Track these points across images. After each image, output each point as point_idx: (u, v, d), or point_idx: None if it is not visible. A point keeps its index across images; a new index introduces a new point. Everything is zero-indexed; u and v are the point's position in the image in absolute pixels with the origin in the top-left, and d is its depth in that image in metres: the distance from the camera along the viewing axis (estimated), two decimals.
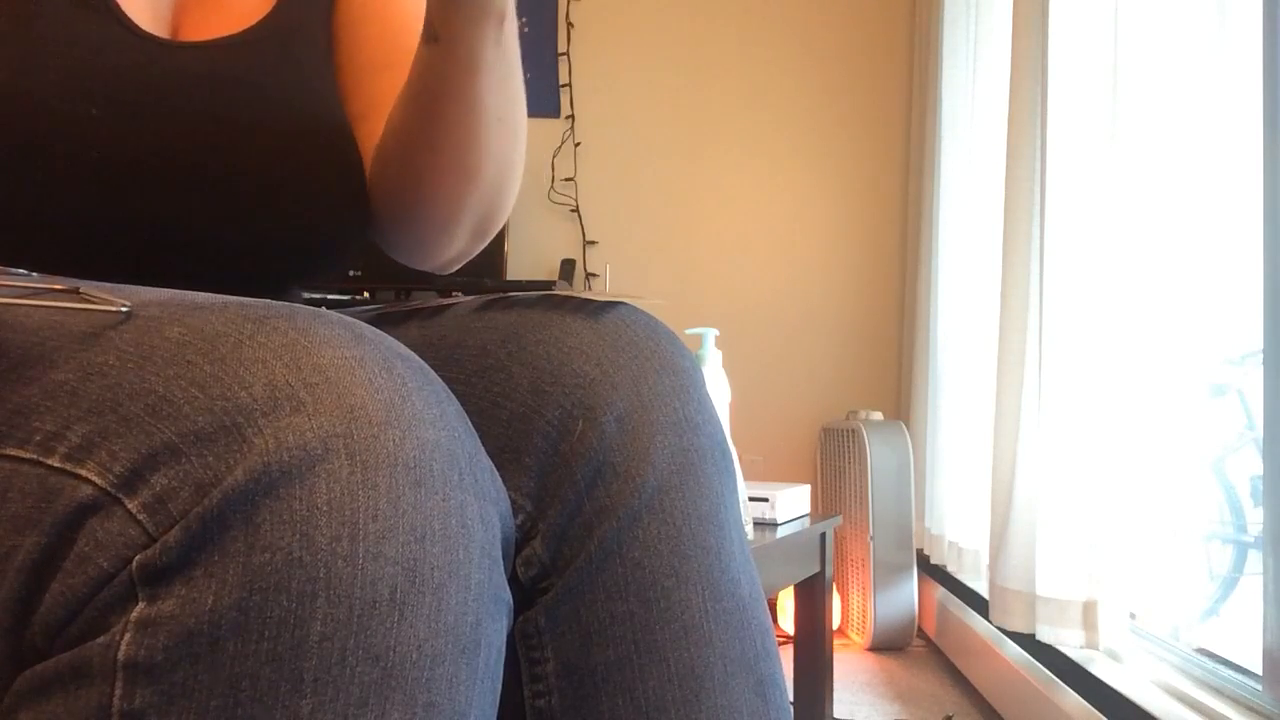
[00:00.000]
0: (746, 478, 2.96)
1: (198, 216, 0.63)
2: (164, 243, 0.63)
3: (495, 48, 0.63)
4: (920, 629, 2.55)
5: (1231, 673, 1.26)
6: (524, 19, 3.13)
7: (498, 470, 0.48)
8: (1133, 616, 1.46)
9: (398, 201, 0.72)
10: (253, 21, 0.68)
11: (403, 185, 0.71)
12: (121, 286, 0.51)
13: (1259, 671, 1.11)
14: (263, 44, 0.68)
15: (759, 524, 1.47)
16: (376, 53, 0.76)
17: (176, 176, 0.62)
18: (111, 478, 0.38)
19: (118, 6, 0.63)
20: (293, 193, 0.67)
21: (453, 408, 0.44)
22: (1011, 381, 1.56)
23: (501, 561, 0.44)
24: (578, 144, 3.10)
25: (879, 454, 2.45)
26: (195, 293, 0.48)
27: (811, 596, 1.63)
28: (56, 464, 0.39)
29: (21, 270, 0.53)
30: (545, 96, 3.10)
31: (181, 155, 0.62)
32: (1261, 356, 1.09)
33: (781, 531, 1.42)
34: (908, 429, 2.52)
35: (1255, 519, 2.52)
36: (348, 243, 0.72)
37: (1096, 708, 1.36)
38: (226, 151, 0.64)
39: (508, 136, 0.69)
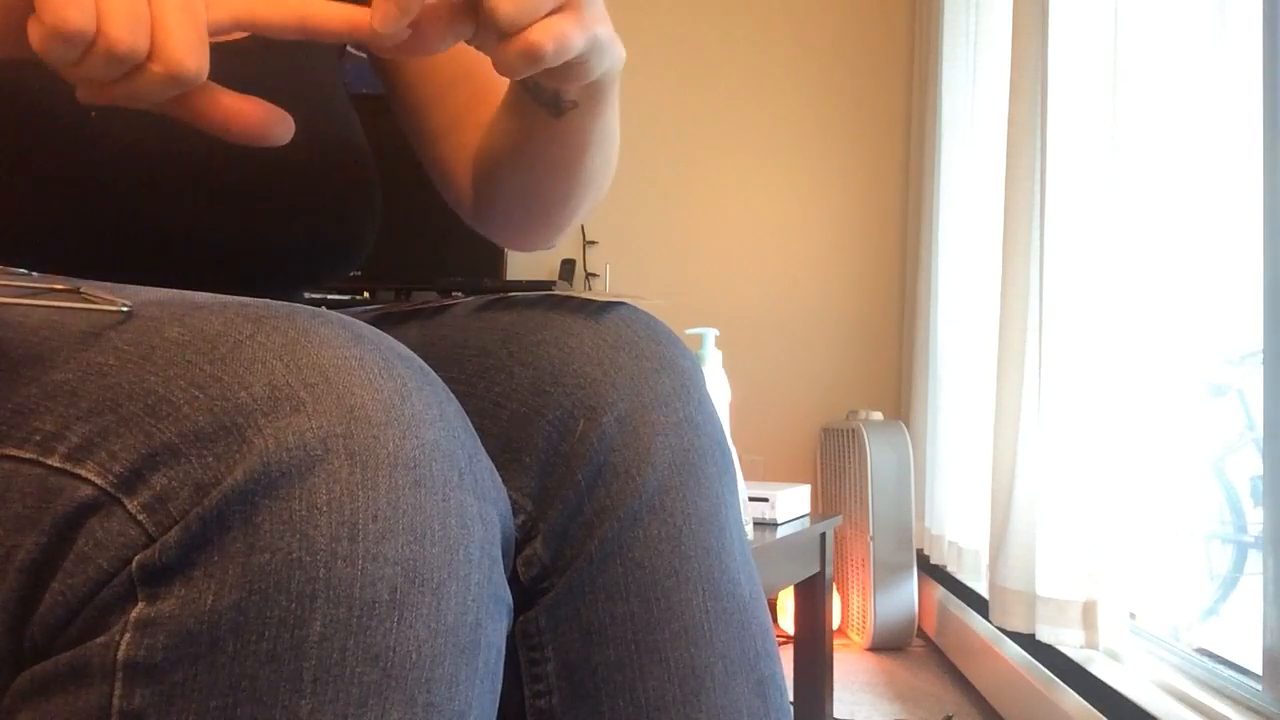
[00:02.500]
0: (746, 478, 2.96)
1: (204, 222, 0.63)
2: (169, 247, 0.63)
3: (615, 107, 0.64)
4: (920, 629, 2.55)
5: (1231, 673, 1.26)
6: None
7: (498, 470, 0.48)
8: (1133, 616, 1.46)
9: (501, 222, 0.75)
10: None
11: (507, 213, 0.73)
12: (122, 286, 0.51)
13: (1259, 671, 1.11)
14: (271, 50, 0.68)
15: (759, 524, 1.47)
16: (448, 69, 0.76)
17: (183, 182, 0.62)
18: (111, 478, 0.38)
19: None
20: (302, 199, 0.67)
21: (452, 408, 0.44)
22: (1011, 381, 1.56)
23: (501, 561, 0.44)
24: None
25: (879, 454, 2.45)
26: (195, 293, 0.48)
27: (811, 596, 1.63)
28: (56, 464, 0.39)
29: (22, 270, 0.53)
30: None
31: (187, 160, 0.62)
32: (1261, 356, 1.09)
33: (781, 531, 1.42)
34: (908, 429, 2.52)
35: (1255, 519, 2.52)
36: (357, 250, 0.72)
37: (1096, 708, 1.36)
38: (233, 157, 0.63)
39: (610, 165, 0.71)
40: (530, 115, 0.63)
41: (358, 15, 0.46)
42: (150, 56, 0.41)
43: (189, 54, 0.41)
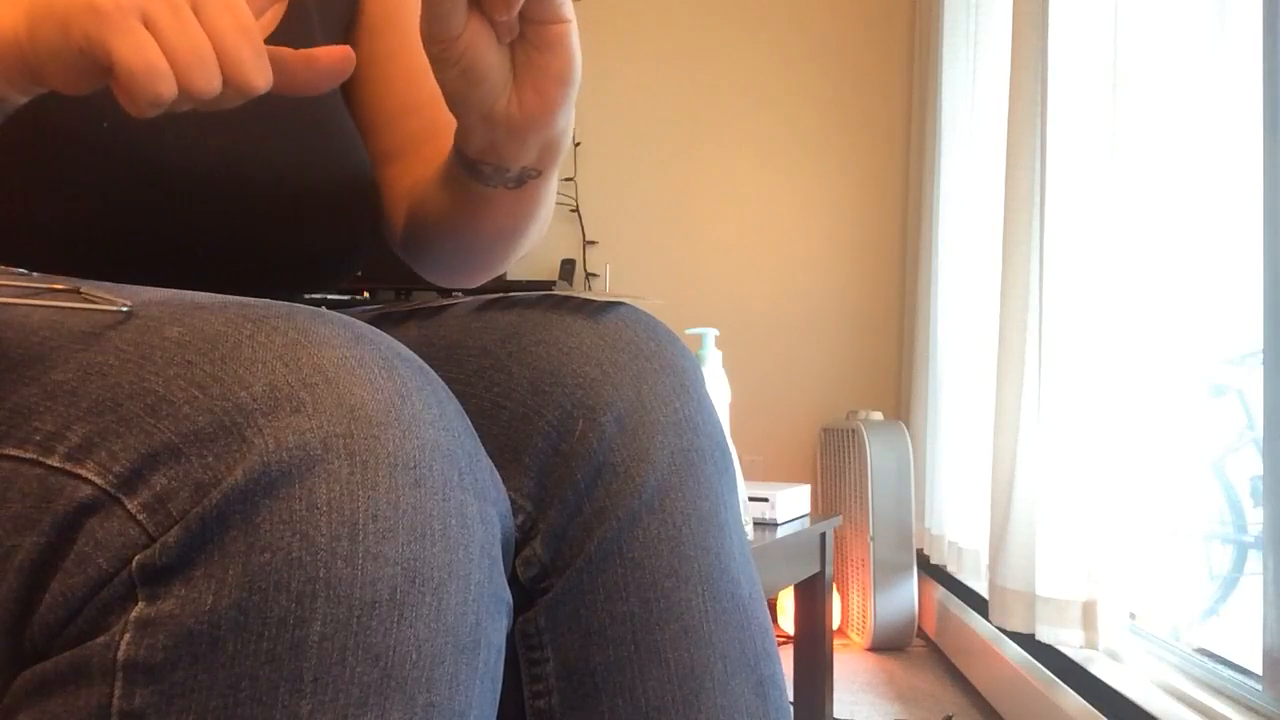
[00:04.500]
0: (746, 478, 2.96)
1: (206, 226, 0.63)
2: (170, 250, 0.63)
3: (556, 175, 0.65)
4: (920, 629, 2.55)
5: (1231, 673, 1.26)
6: None
7: (498, 470, 0.48)
8: (1133, 616, 1.46)
9: (433, 266, 0.75)
10: (262, 37, 0.68)
11: (437, 258, 0.74)
12: (122, 286, 0.51)
13: (1259, 671, 1.11)
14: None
15: (759, 524, 1.47)
16: (403, 96, 0.76)
17: (186, 186, 0.62)
18: (111, 478, 0.38)
19: None
20: (304, 205, 0.67)
21: (452, 407, 0.44)
22: (1011, 381, 1.56)
23: (501, 561, 0.44)
24: (577, 144, 3.10)
25: (879, 454, 2.45)
26: (195, 292, 0.48)
27: (811, 596, 1.63)
28: (56, 464, 0.39)
29: (21, 270, 0.53)
30: None
31: (191, 166, 0.62)
32: (1261, 356, 1.09)
33: (781, 531, 1.42)
34: (908, 429, 2.52)
35: (1255, 519, 2.52)
36: (357, 255, 0.73)
37: (1096, 708, 1.36)
38: (237, 163, 0.63)
39: (549, 216, 0.72)
40: (479, 189, 0.63)
41: None
42: (224, 83, 0.43)
43: (257, 74, 0.44)
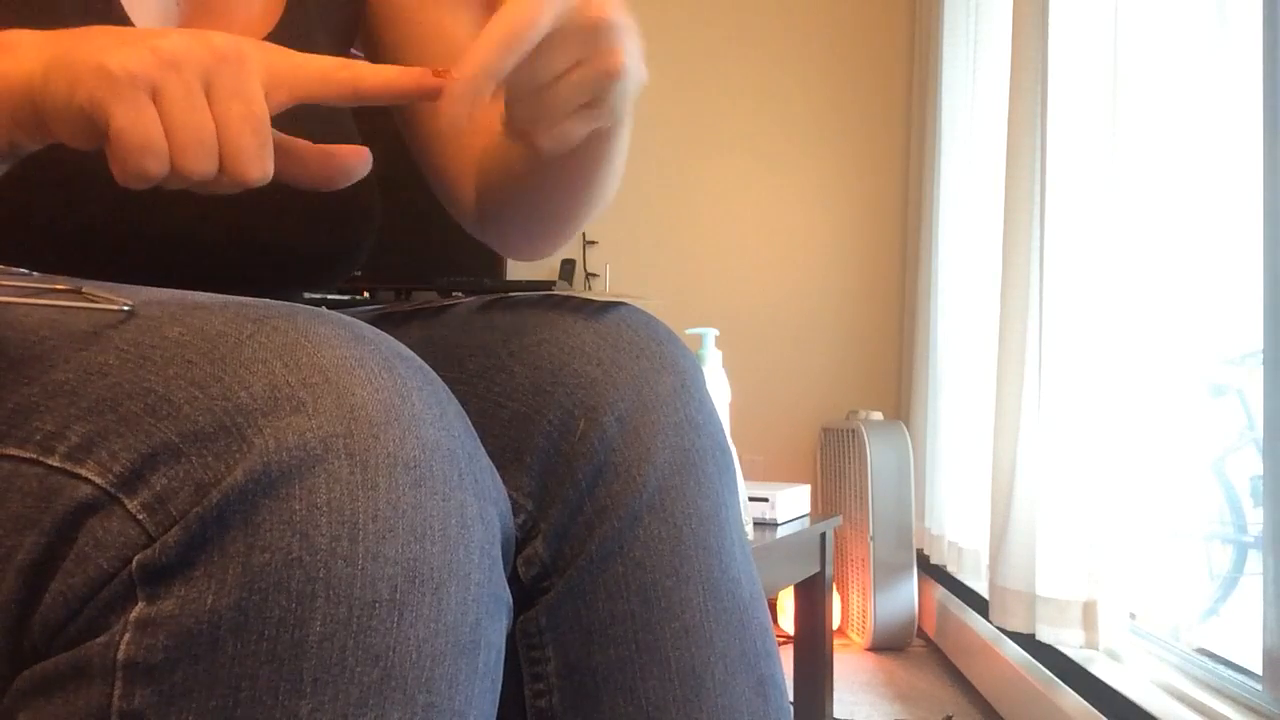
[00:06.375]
0: (746, 478, 2.96)
1: (201, 226, 0.63)
2: (166, 251, 0.63)
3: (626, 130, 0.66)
4: (920, 629, 2.55)
5: (1231, 673, 1.26)
6: None
7: (498, 470, 0.48)
8: (1133, 616, 1.46)
9: (507, 233, 0.75)
10: (260, 35, 0.68)
11: (514, 226, 0.73)
12: (123, 286, 0.51)
13: (1259, 671, 1.11)
14: None
15: (759, 524, 1.47)
16: None
17: (184, 188, 0.62)
18: (111, 477, 0.38)
19: (127, 18, 0.62)
20: (299, 205, 0.67)
21: (453, 407, 0.44)
22: (1011, 381, 1.56)
23: (501, 561, 0.44)
24: None
25: (879, 454, 2.45)
26: (196, 292, 0.48)
27: (811, 596, 1.63)
28: (56, 463, 0.39)
29: (22, 270, 0.53)
30: None
31: None
32: (1261, 356, 1.09)
33: (781, 531, 1.42)
34: (908, 429, 2.52)
35: (1255, 519, 2.52)
36: (353, 256, 0.72)
37: (1096, 708, 1.36)
38: None
39: (620, 171, 0.72)
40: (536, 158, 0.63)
41: (404, 77, 0.46)
42: (220, 169, 0.43)
43: (254, 167, 0.43)
